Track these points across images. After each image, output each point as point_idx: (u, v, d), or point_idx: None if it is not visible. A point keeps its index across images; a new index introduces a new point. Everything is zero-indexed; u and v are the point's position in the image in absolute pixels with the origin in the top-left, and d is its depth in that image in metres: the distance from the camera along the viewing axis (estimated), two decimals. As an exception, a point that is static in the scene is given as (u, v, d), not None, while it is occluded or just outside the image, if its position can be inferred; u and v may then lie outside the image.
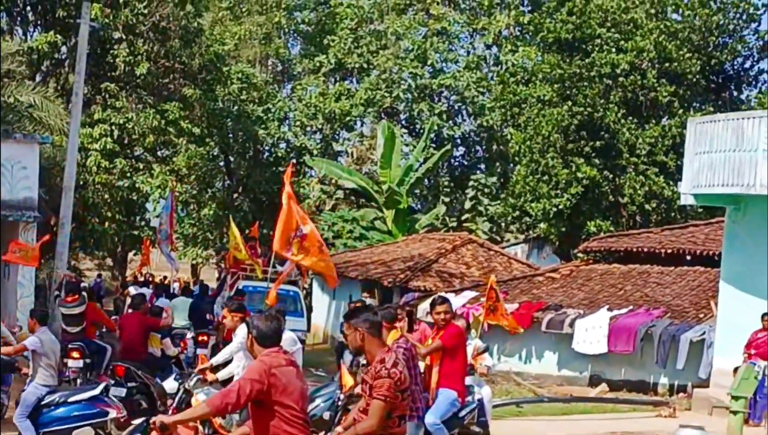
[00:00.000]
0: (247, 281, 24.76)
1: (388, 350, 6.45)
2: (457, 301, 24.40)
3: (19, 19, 30.94)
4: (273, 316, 6.48)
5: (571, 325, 21.32)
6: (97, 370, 16.37)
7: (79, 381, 15.64)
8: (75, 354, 15.71)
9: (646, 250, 24.60)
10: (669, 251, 24.05)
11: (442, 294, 11.59)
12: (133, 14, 30.71)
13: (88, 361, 16.06)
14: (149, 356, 15.33)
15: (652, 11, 33.54)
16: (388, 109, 43.07)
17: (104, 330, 18.04)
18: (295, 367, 6.24)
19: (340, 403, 10.50)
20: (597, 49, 31.98)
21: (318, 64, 44.33)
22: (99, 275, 33.77)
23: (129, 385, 13.96)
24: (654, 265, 24.23)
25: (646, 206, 30.80)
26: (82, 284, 25.31)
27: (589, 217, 31.19)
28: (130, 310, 16.98)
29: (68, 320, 16.39)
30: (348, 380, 10.73)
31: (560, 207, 30.78)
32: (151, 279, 28.83)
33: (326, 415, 10.85)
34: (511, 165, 38.26)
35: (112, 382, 13.96)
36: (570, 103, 31.47)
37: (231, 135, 41.24)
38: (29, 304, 19.30)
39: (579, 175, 30.57)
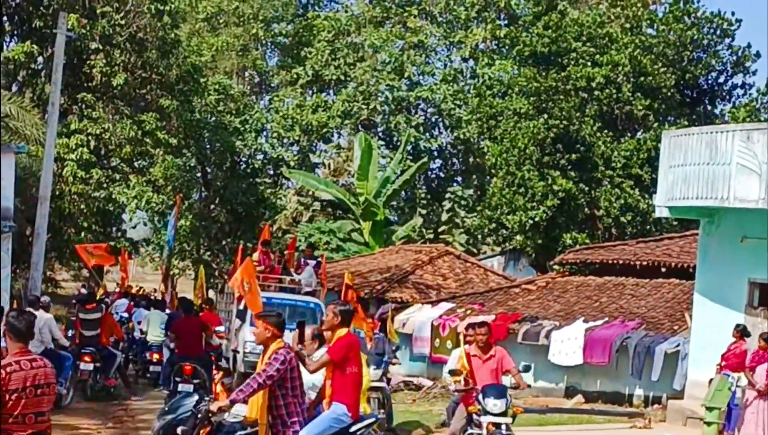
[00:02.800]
0: (262, 293, 23.24)
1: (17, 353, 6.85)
2: (434, 313, 24.52)
3: (-5, 28, 30.82)
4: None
5: (547, 336, 21.43)
6: (105, 373, 18.22)
7: (89, 382, 17.80)
8: (86, 358, 17.63)
9: (621, 262, 24.75)
10: (644, 263, 24.21)
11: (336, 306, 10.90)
12: (110, 25, 30.67)
13: (98, 365, 17.82)
14: (205, 355, 17.28)
15: (627, 26, 33.86)
16: (365, 121, 43.19)
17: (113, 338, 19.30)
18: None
19: (199, 416, 9.16)
20: (573, 62, 32.20)
21: (295, 76, 44.40)
22: (84, 286, 33.52)
23: (195, 381, 15.48)
24: (629, 278, 24.38)
25: (622, 219, 30.98)
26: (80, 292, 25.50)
27: (564, 229, 31.31)
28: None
29: (85, 325, 18.17)
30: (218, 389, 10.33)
31: (536, 219, 30.88)
32: (128, 290, 28.66)
33: (179, 430, 9.51)
34: (488, 177, 38.41)
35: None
36: (546, 116, 31.63)
37: (208, 146, 41.23)
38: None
39: (555, 187, 30.70)
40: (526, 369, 12.94)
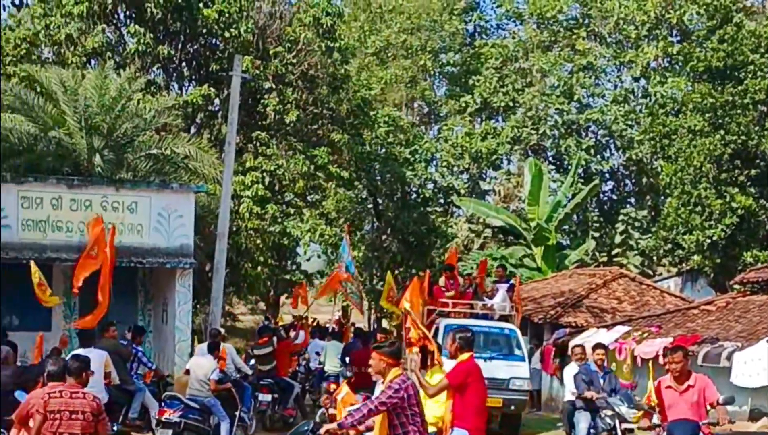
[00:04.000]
0: (448, 320, 20.85)
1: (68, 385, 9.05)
2: (609, 336, 24.02)
3: (174, 74, 32.23)
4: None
5: (729, 358, 20.63)
6: (283, 404, 18.90)
7: (268, 413, 18.45)
8: (264, 390, 18.29)
9: (807, 279, 23.69)
10: (832, 280, 23.10)
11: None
12: (282, 64, 31.50)
13: (275, 395, 18.54)
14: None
15: (809, 33, 32.58)
16: (534, 146, 42.98)
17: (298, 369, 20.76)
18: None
19: None
20: (750, 75, 31.25)
21: (464, 105, 44.56)
22: (267, 319, 34.50)
23: None
24: (817, 295, 23.28)
25: (807, 234, 29.74)
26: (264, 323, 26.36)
27: (745, 247, 30.31)
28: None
29: (260, 360, 18.86)
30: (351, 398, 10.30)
31: (714, 238, 30.01)
32: (304, 322, 29.27)
33: None
34: (662, 197, 37.60)
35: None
36: (723, 132, 30.81)
37: (379, 177, 41.77)
38: (186, 347, 20.00)
39: (733, 205, 29.83)
40: (727, 401, 10.94)
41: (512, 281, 22.68)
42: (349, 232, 28.86)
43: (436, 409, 9.85)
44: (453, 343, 9.80)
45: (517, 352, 20.47)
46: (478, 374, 9.89)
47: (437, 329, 20.13)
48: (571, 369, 15.29)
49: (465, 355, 9.70)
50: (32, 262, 16.97)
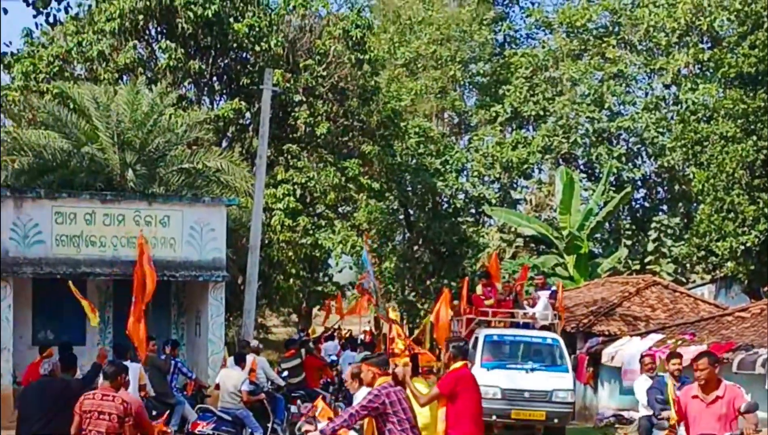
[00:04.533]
0: (488, 330, 20.33)
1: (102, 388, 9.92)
2: (643, 344, 23.90)
3: (206, 89, 32.48)
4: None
5: (764, 365, 20.46)
6: None
7: (299, 424, 17.94)
8: (296, 402, 18.45)
9: (842, 285, 23.45)
10: None
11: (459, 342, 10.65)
12: (312, 77, 31.69)
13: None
14: None
15: (842, 38, 32.32)
16: (565, 155, 42.85)
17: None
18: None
19: None
20: (783, 80, 31.12)
21: (494, 114, 44.53)
22: (301, 331, 34.64)
23: None
24: None
25: (843, 240, 29.44)
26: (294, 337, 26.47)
27: (779, 253, 30.12)
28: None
29: (289, 372, 19.03)
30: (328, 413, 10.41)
31: (748, 244, 29.80)
32: (337, 333, 29.41)
33: None
34: (695, 204, 37.41)
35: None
36: (755, 137, 30.64)
37: (410, 188, 41.80)
38: (219, 360, 20.10)
39: (767, 210, 29.57)
40: (749, 409, 9.51)
41: (554, 288, 22.23)
42: (368, 242, 28.89)
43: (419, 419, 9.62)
44: (446, 352, 9.94)
45: (560, 362, 20.03)
46: (471, 382, 9.96)
47: (476, 339, 19.73)
48: (642, 382, 14.61)
49: (458, 364, 9.81)
50: (70, 283, 17.06)
